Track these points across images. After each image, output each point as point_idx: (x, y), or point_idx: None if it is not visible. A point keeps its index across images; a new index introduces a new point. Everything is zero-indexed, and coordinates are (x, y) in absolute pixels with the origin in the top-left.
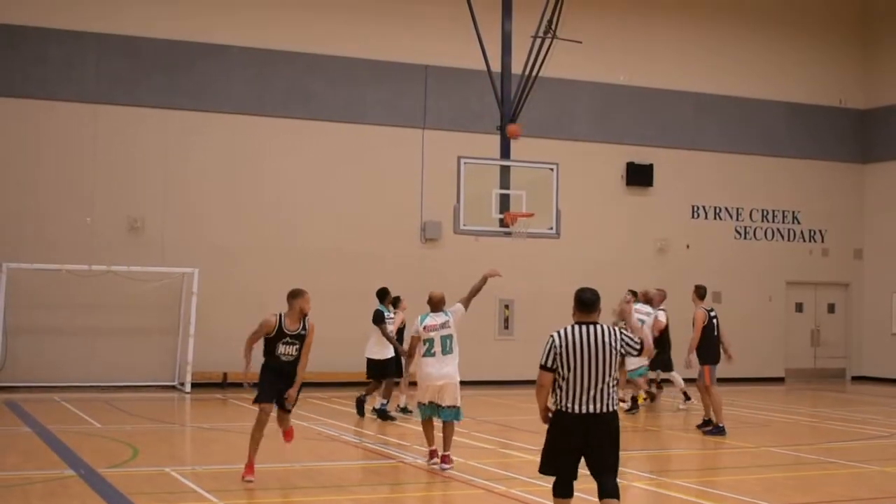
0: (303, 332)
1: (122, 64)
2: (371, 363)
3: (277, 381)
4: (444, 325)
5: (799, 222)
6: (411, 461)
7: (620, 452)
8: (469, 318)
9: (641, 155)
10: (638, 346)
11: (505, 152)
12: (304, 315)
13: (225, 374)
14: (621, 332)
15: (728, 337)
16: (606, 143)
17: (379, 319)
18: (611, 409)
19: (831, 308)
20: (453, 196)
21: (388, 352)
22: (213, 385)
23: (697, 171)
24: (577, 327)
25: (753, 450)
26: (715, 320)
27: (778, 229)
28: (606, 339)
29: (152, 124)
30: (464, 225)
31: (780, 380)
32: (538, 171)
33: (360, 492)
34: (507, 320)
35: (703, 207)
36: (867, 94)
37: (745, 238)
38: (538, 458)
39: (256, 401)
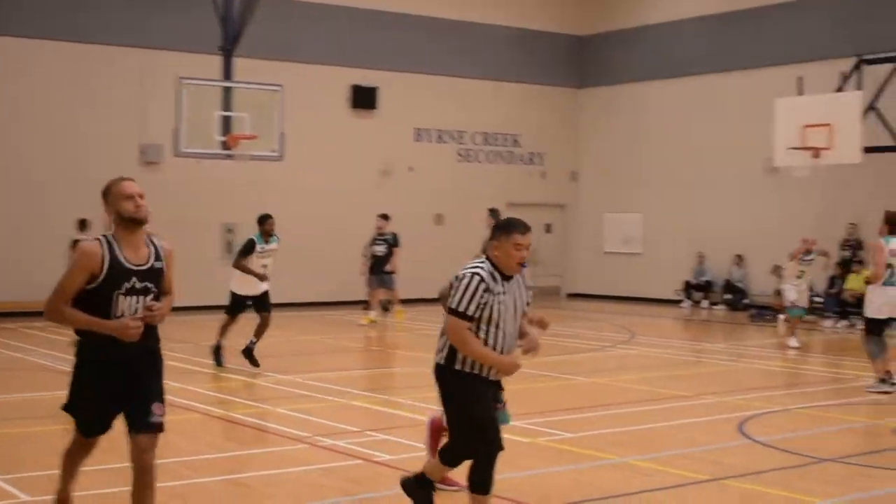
0: (157, 265)
1: None
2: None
3: (113, 385)
4: None
5: (519, 145)
6: None
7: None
8: (191, 242)
9: (367, 78)
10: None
11: (227, 73)
12: (134, 220)
13: None
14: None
15: None
16: (332, 65)
17: (247, 251)
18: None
19: (548, 228)
20: (174, 118)
21: (258, 287)
22: None
23: (421, 94)
24: None
25: None
26: None
27: (499, 152)
28: None
29: None
30: (185, 147)
31: None
32: (262, 92)
33: None
34: (229, 244)
35: (427, 131)
36: (583, 21)
37: (467, 161)
38: (255, 381)
39: (79, 429)
